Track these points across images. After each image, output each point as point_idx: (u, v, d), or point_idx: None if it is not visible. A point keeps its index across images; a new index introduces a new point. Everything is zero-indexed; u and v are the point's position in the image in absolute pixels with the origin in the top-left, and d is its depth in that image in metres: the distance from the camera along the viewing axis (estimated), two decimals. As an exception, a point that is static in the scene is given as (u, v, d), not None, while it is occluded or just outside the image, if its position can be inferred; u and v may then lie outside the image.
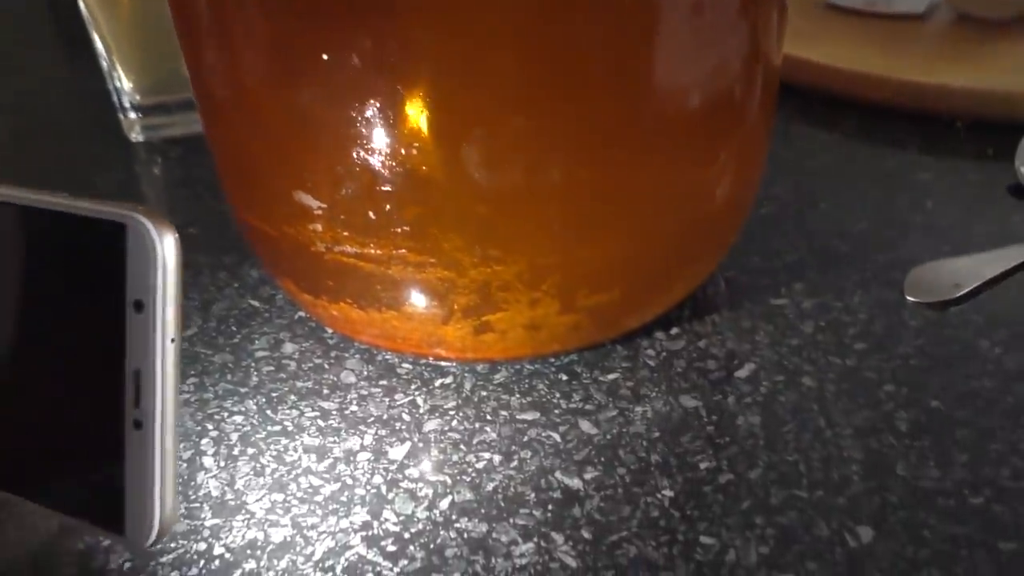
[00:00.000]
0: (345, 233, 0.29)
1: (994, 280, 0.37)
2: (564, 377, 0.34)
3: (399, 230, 0.28)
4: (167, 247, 0.22)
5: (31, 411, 0.25)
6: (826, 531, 0.27)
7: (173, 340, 0.22)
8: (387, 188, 0.27)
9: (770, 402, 0.32)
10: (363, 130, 0.27)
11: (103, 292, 0.23)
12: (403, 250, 0.29)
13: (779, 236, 0.41)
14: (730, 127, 0.31)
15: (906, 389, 0.32)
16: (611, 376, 0.34)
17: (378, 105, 0.26)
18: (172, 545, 0.28)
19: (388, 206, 0.28)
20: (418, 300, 0.30)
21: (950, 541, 0.26)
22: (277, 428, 0.32)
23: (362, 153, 0.27)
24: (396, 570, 0.27)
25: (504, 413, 0.32)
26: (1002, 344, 0.34)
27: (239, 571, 0.27)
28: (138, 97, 0.54)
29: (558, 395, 0.33)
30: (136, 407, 0.23)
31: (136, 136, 0.54)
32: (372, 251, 0.29)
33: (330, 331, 0.37)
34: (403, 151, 0.27)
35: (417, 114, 0.26)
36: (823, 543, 0.26)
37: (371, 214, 0.28)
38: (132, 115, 0.54)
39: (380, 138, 0.27)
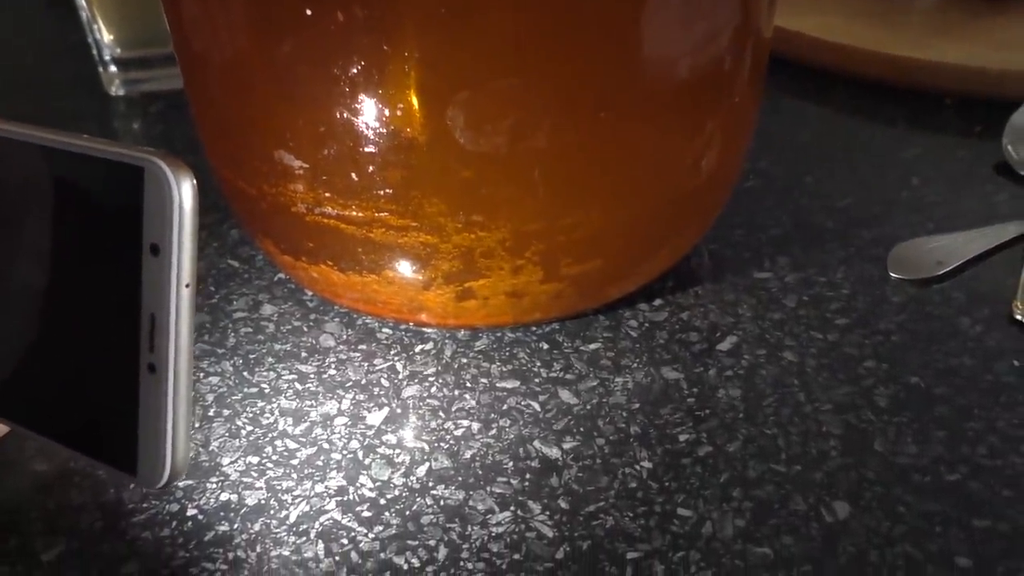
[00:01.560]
0: (327, 194, 0.28)
1: (977, 258, 0.37)
2: (545, 346, 0.33)
3: (382, 192, 0.28)
4: (184, 191, 0.22)
5: (48, 350, 0.25)
6: (803, 505, 0.27)
7: (188, 285, 0.22)
8: (370, 149, 0.27)
9: (751, 375, 0.32)
10: (347, 89, 0.26)
11: (120, 235, 0.23)
12: (385, 213, 0.28)
13: (764, 210, 0.41)
14: (719, 98, 0.31)
15: (886, 365, 0.32)
16: (592, 346, 0.33)
17: (363, 64, 0.26)
18: (144, 505, 0.28)
19: (371, 168, 0.27)
20: (399, 265, 0.30)
21: (925, 518, 0.26)
22: (254, 390, 0.32)
23: (346, 113, 0.26)
24: (371, 536, 0.26)
25: (484, 381, 0.32)
26: (983, 322, 0.34)
27: (212, 533, 0.27)
28: (119, 50, 0.52)
29: (539, 364, 0.33)
30: (151, 351, 0.23)
31: (116, 90, 0.53)
32: (354, 213, 0.29)
33: (310, 294, 0.36)
34: (388, 112, 0.26)
35: (403, 74, 0.26)
36: (799, 517, 0.26)
37: (353, 175, 0.28)
38: (112, 69, 0.53)
39: (364, 98, 0.26)
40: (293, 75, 0.27)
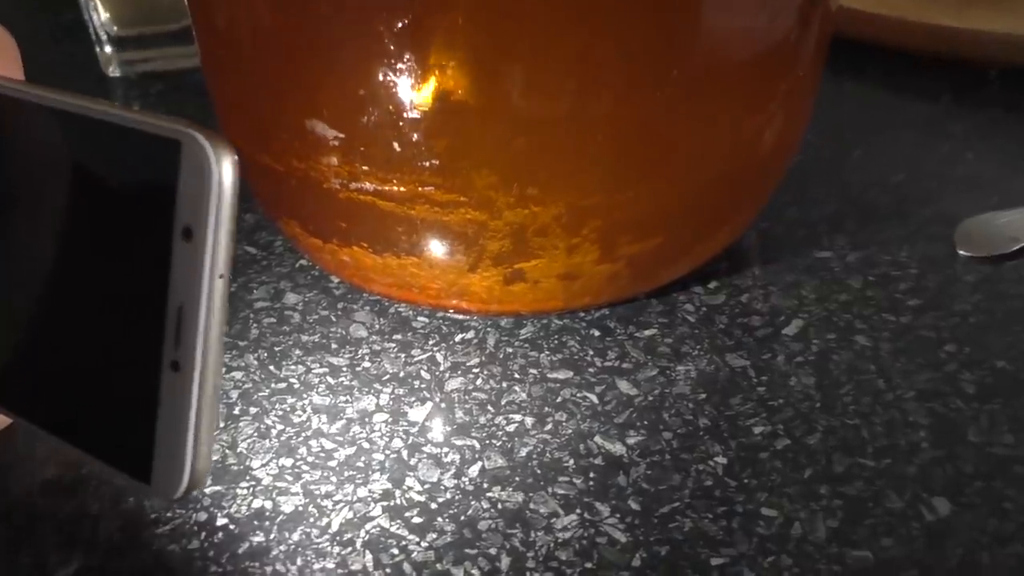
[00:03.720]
0: (364, 167, 0.26)
1: (1049, 235, 0.34)
2: (596, 333, 0.31)
3: (426, 164, 0.25)
4: (224, 171, 0.19)
5: (60, 339, 0.22)
6: (899, 503, 0.24)
7: (222, 276, 0.20)
8: (415, 115, 0.24)
9: (823, 362, 0.29)
10: (390, 47, 0.23)
11: (149, 216, 0.20)
12: (430, 187, 0.25)
13: (813, 186, 0.39)
14: (786, 70, 0.28)
15: (968, 348, 0.30)
16: (648, 332, 0.31)
17: (408, 18, 0.23)
18: (168, 515, 0.25)
19: (415, 136, 0.25)
20: (443, 245, 0.27)
21: (1034, 514, 0.24)
22: (282, 386, 0.29)
23: (388, 74, 0.24)
24: (424, 544, 0.24)
25: (533, 371, 0.29)
26: (1064, 302, 0.31)
27: (246, 545, 0.24)
28: (115, 28, 0.49)
29: (591, 352, 0.30)
30: (176, 347, 0.20)
31: (113, 71, 0.50)
32: (394, 188, 0.26)
33: (336, 281, 0.34)
34: (435, 72, 0.23)
35: (453, 29, 0.23)
36: (896, 516, 0.24)
37: (395, 145, 0.25)
38: (109, 48, 0.50)
39: (410, 56, 0.23)
40: (329, 32, 0.24)
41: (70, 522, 0.25)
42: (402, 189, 0.26)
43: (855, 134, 0.43)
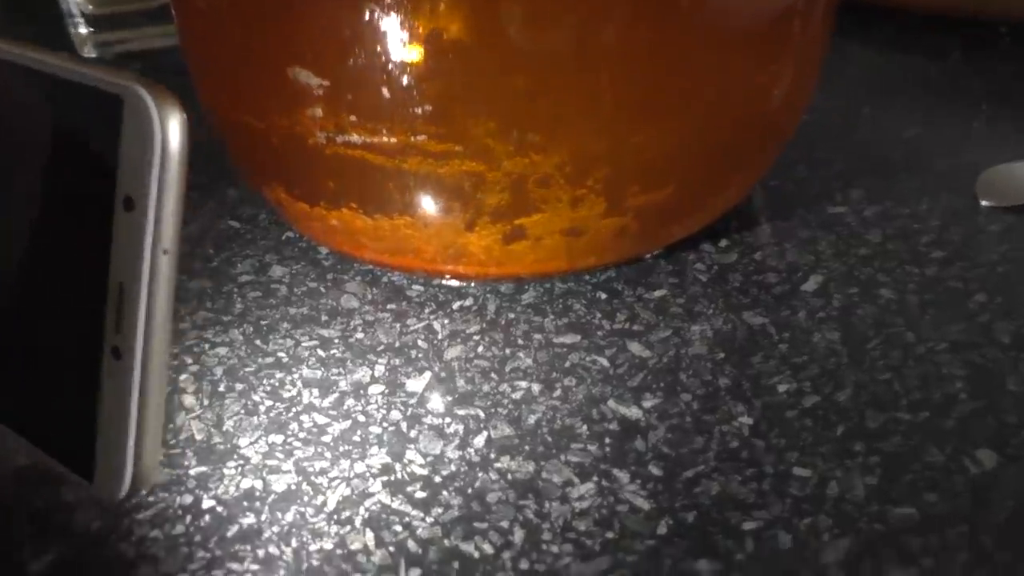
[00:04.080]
0: (352, 118, 0.24)
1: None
2: (603, 296, 0.29)
3: (419, 111, 0.23)
4: (171, 132, 0.17)
5: None
6: (940, 457, 0.23)
7: (167, 252, 0.17)
8: (406, 56, 0.22)
9: (847, 316, 0.27)
10: (375, -21, 0.21)
11: (89, 183, 0.18)
12: (423, 137, 0.24)
13: (823, 146, 0.37)
14: (795, 24, 0.26)
15: (1000, 298, 0.28)
16: (657, 293, 0.29)
17: (393, -53, 0.21)
18: (150, 499, 0.23)
19: (406, 80, 0.23)
20: (437, 202, 0.25)
21: (1086, 464, 0.22)
22: (269, 360, 0.27)
23: (376, 11, 0.22)
24: (429, 520, 0.22)
25: (538, 337, 0.27)
26: (1095, 249, 0.30)
27: (235, 527, 0.22)
28: (90, 7, 0.47)
29: (599, 315, 0.28)
30: (117, 331, 0.18)
31: (89, 52, 0.48)
32: (384, 140, 0.24)
33: (324, 252, 0.32)
34: (427, 7, 0.21)
35: (443, -43, 0.21)
36: (939, 471, 0.22)
37: (385, 91, 0.23)
38: (84, 29, 0.48)
39: (397, -12, 0.21)
40: (309, -34, 0.22)
41: (44, 512, 0.23)
42: (393, 140, 0.24)
43: (864, 94, 0.41)
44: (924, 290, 0.28)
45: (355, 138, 0.24)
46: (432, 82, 0.23)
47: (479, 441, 0.24)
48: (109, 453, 0.19)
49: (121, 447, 0.18)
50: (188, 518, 0.22)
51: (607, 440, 0.24)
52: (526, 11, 0.22)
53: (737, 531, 0.21)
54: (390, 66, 0.22)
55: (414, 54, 0.22)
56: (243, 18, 0.24)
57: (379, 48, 0.22)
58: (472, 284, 0.29)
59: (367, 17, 0.22)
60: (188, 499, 0.23)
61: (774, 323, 0.27)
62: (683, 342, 0.27)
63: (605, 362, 0.26)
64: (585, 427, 0.24)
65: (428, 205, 0.25)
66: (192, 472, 0.23)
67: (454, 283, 0.30)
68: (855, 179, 0.34)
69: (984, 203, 0.32)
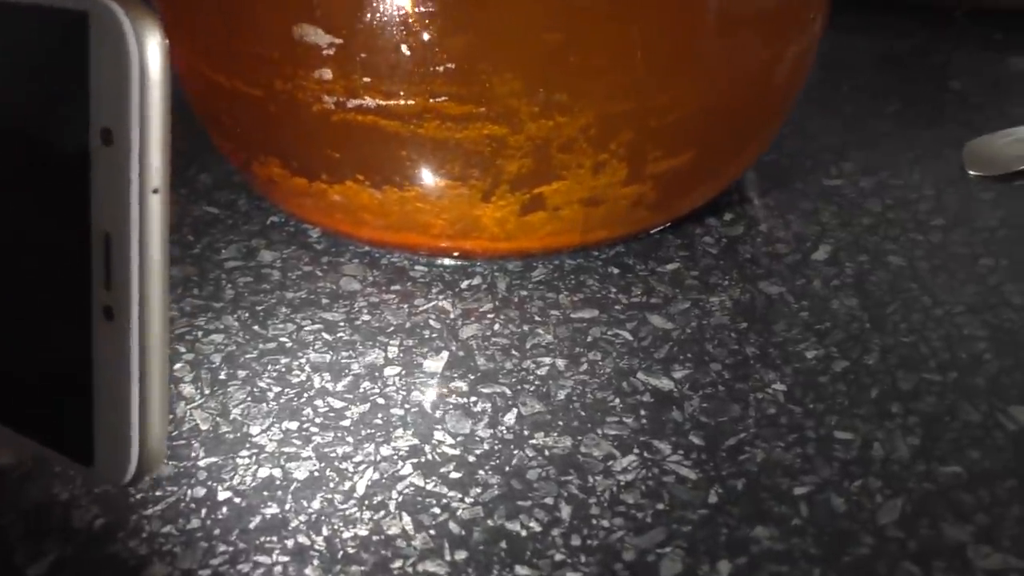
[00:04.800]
0: (365, 79, 0.22)
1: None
2: (615, 270, 0.28)
3: (440, 69, 0.22)
4: (149, 50, 0.14)
5: None
6: (976, 415, 0.22)
7: (156, 191, 0.15)
8: (428, 8, 0.21)
9: (861, 283, 0.27)
10: (398, -73, 0.20)
11: (57, 117, 0.16)
12: (443, 98, 0.22)
13: (809, 119, 0.37)
14: (801, 9, 0.26)
15: (1006, 261, 0.28)
16: (670, 266, 0.28)
17: None
18: (157, 494, 0.21)
19: (427, 35, 0.21)
20: (454, 170, 0.24)
21: (1118, 415, 0.22)
22: (271, 345, 0.25)
23: (396, -40, 0.21)
24: (469, 500, 0.21)
25: (555, 313, 0.26)
26: (1085, 213, 0.30)
27: (258, 518, 0.20)
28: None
29: (614, 289, 0.27)
30: (106, 288, 0.15)
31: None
32: (400, 103, 0.23)
33: (316, 235, 0.30)
34: (453, -45, 0.20)
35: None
36: (978, 428, 0.22)
37: (404, 48, 0.22)
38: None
39: (422, -63, 0.20)
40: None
41: (36, 513, 0.20)
42: (410, 103, 0.23)
43: (840, 72, 0.42)
44: (932, 256, 0.28)
45: (368, 102, 0.23)
46: (456, 37, 0.21)
47: (510, 418, 0.23)
48: (110, 431, 0.16)
49: (123, 423, 0.16)
50: (204, 511, 0.20)
51: (642, 412, 0.23)
52: (557, -38, 0.21)
53: (789, 496, 0.20)
54: (410, 20, 0.21)
55: (437, 6, 0.21)
56: (242, -24, 0.23)
57: (399, 1, 0.21)
58: (478, 263, 0.28)
59: (386, -31, 0.21)
60: (201, 491, 0.21)
61: (791, 292, 0.27)
62: (704, 313, 0.26)
63: (628, 335, 0.25)
64: (618, 400, 0.23)
65: (443, 174, 0.24)
66: (201, 463, 0.22)
67: (457, 262, 0.28)
68: (844, 152, 0.35)
69: (972, 173, 0.33)
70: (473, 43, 0.21)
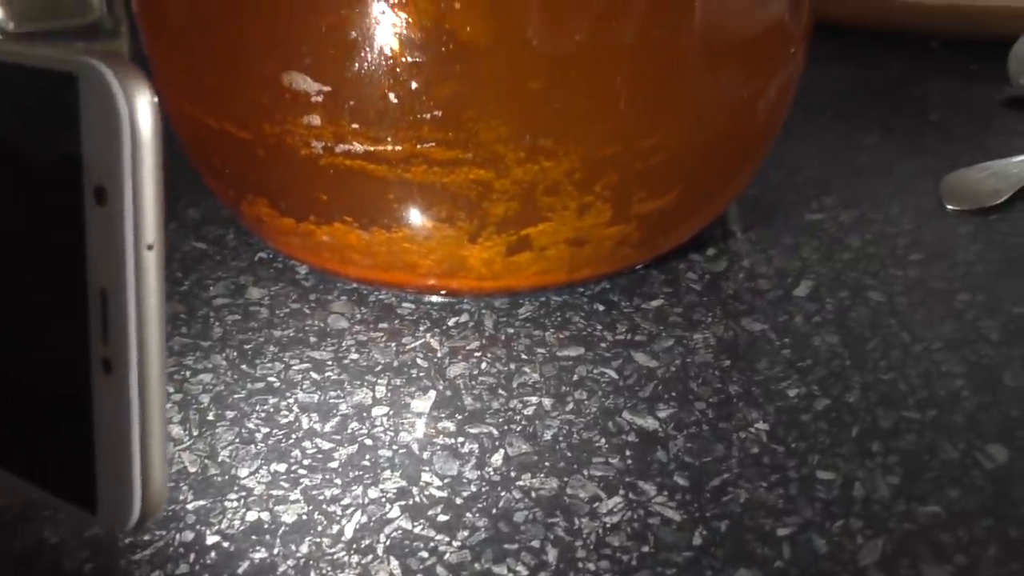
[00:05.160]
0: (353, 126, 0.23)
1: (1029, 185, 0.34)
2: (600, 307, 0.28)
3: (427, 116, 0.22)
4: (140, 109, 0.15)
5: None
6: (955, 453, 0.23)
7: (151, 247, 0.15)
8: (415, 58, 0.21)
9: (842, 319, 0.28)
10: (386, -20, 0.21)
11: (49, 178, 0.16)
12: (430, 144, 0.23)
13: (791, 152, 0.38)
14: (783, 40, 0.27)
15: (982, 296, 0.29)
16: (654, 303, 0.29)
17: (404, -53, 0.20)
18: (146, 538, 0.21)
19: (415, 84, 0.22)
20: (441, 213, 0.24)
21: (1092, 453, 0.23)
22: (259, 385, 0.26)
23: (383, 10, 0.21)
24: (456, 543, 0.21)
25: (541, 351, 0.27)
26: (1060, 247, 0.31)
27: (245, 563, 0.20)
28: (12, 26, 0.44)
29: (599, 327, 0.28)
30: (104, 343, 0.16)
31: (13, 69, 0.45)
32: (387, 148, 0.23)
33: (303, 272, 0.30)
34: (440, 5, 0.21)
35: (457, -42, 0.20)
36: (956, 467, 0.22)
37: (391, 96, 0.22)
38: (6, 45, 0.45)
39: (409, -11, 0.21)
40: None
41: (25, 557, 0.20)
42: (398, 148, 0.23)
43: (822, 103, 0.43)
44: (910, 291, 0.29)
45: (356, 147, 0.23)
46: (443, 85, 0.22)
47: (497, 459, 0.23)
48: (112, 479, 0.17)
49: (126, 471, 0.16)
50: (192, 556, 0.21)
51: (628, 452, 0.23)
52: (542, 11, 0.21)
53: (772, 538, 0.21)
54: (398, 69, 0.22)
55: (425, 56, 0.21)
56: (230, 20, 0.23)
57: (387, 49, 0.21)
58: (465, 300, 0.29)
59: (374, 15, 0.21)
60: (189, 535, 0.21)
61: (773, 328, 0.27)
62: (687, 351, 0.27)
63: (613, 374, 0.26)
64: (603, 440, 0.24)
65: (430, 217, 0.25)
66: (190, 507, 0.22)
67: (445, 299, 0.29)
68: (826, 186, 0.35)
69: (950, 207, 0.33)
70: (459, 91, 0.22)
